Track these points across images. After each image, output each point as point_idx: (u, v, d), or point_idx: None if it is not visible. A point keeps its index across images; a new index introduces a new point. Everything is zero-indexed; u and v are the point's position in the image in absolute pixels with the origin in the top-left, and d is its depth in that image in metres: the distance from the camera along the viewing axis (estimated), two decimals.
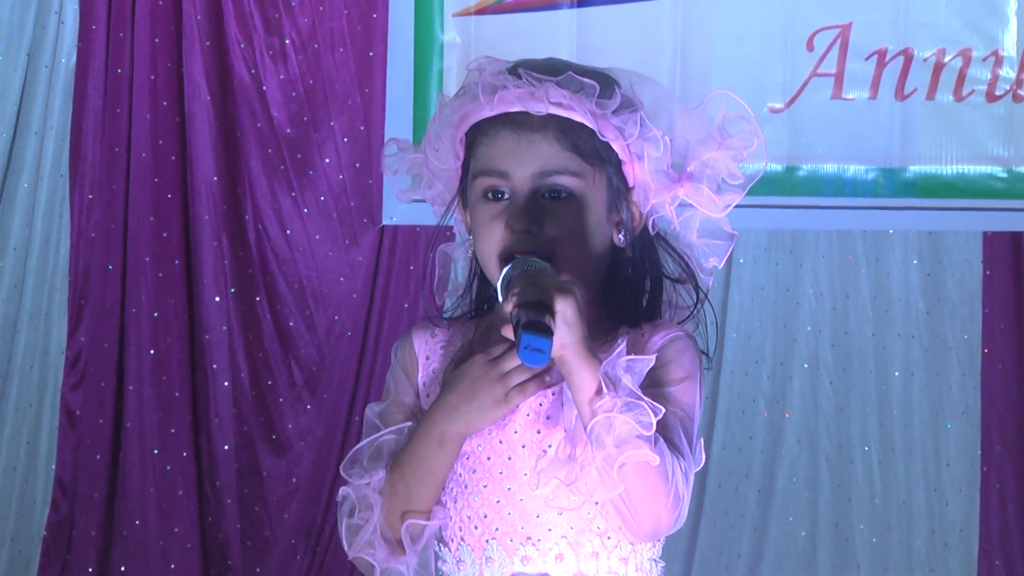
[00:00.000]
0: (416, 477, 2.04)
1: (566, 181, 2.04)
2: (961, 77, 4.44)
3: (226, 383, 4.55)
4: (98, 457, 4.51)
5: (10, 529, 4.55)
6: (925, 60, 4.44)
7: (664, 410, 1.89)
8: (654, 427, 1.87)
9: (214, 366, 4.54)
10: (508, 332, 1.92)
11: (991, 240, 4.54)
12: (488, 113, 2.06)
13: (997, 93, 4.44)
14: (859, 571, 4.55)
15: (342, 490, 2.08)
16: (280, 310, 4.58)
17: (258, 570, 4.55)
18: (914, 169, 4.47)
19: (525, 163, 2.04)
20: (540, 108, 2.03)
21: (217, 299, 4.54)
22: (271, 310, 4.57)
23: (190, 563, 4.53)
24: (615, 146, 2.06)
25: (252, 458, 4.56)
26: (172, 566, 4.51)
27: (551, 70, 2.06)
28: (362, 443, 2.09)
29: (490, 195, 2.06)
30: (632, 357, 1.91)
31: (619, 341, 1.93)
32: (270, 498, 4.56)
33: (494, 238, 2.04)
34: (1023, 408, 4.55)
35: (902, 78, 4.44)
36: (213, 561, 4.56)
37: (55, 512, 4.53)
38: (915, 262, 4.57)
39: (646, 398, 1.88)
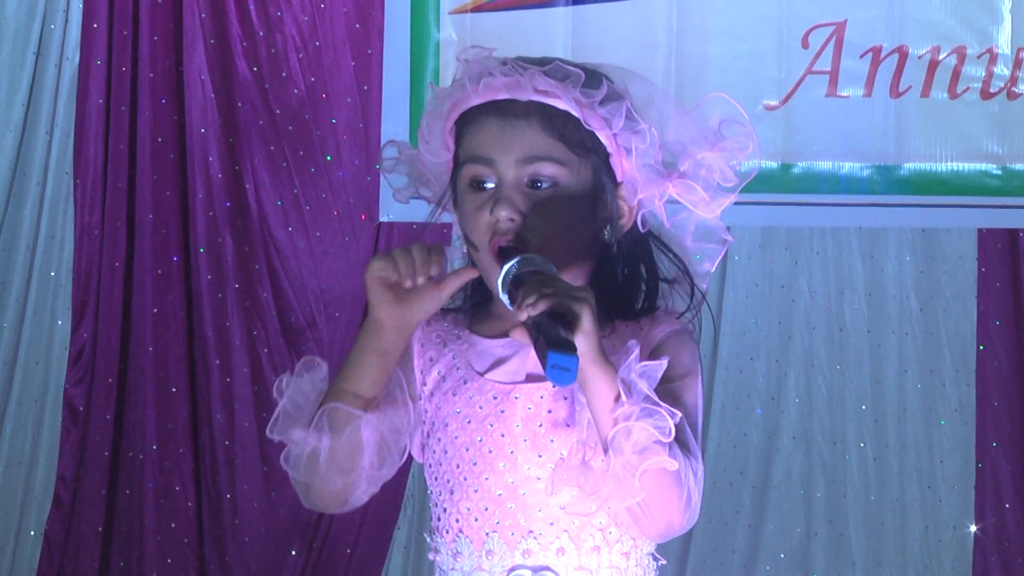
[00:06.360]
0: (351, 362, 2.05)
1: (550, 169, 2.03)
2: (956, 75, 4.44)
3: (228, 379, 4.55)
4: (104, 453, 4.51)
5: (15, 524, 4.56)
6: (920, 58, 4.44)
7: (680, 414, 1.88)
8: (673, 433, 1.86)
9: (216, 362, 4.55)
10: (521, 336, 1.89)
11: (986, 237, 4.55)
12: (475, 101, 2.06)
13: (992, 90, 4.44)
14: (854, 568, 4.55)
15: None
16: (282, 307, 4.59)
17: (254, 566, 4.56)
18: (909, 166, 4.47)
19: (510, 149, 2.03)
20: (524, 95, 2.03)
21: (220, 295, 4.55)
22: (274, 307, 4.58)
23: (187, 558, 4.53)
24: (601, 137, 2.05)
25: (251, 454, 4.57)
26: (168, 561, 4.51)
27: (540, 62, 2.06)
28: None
29: (476, 185, 2.06)
30: (646, 363, 1.89)
31: (631, 345, 1.91)
32: (267, 494, 4.57)
33: (480, 227, 2.04)
34: (1018, 405, 4.55)
35: (897, 75, 4.45)
36: (210, 557, 4.56)
37: (57, 507, 4.54)
38: (909, 259, 4.58)
39: (663, 404, 1.87)
